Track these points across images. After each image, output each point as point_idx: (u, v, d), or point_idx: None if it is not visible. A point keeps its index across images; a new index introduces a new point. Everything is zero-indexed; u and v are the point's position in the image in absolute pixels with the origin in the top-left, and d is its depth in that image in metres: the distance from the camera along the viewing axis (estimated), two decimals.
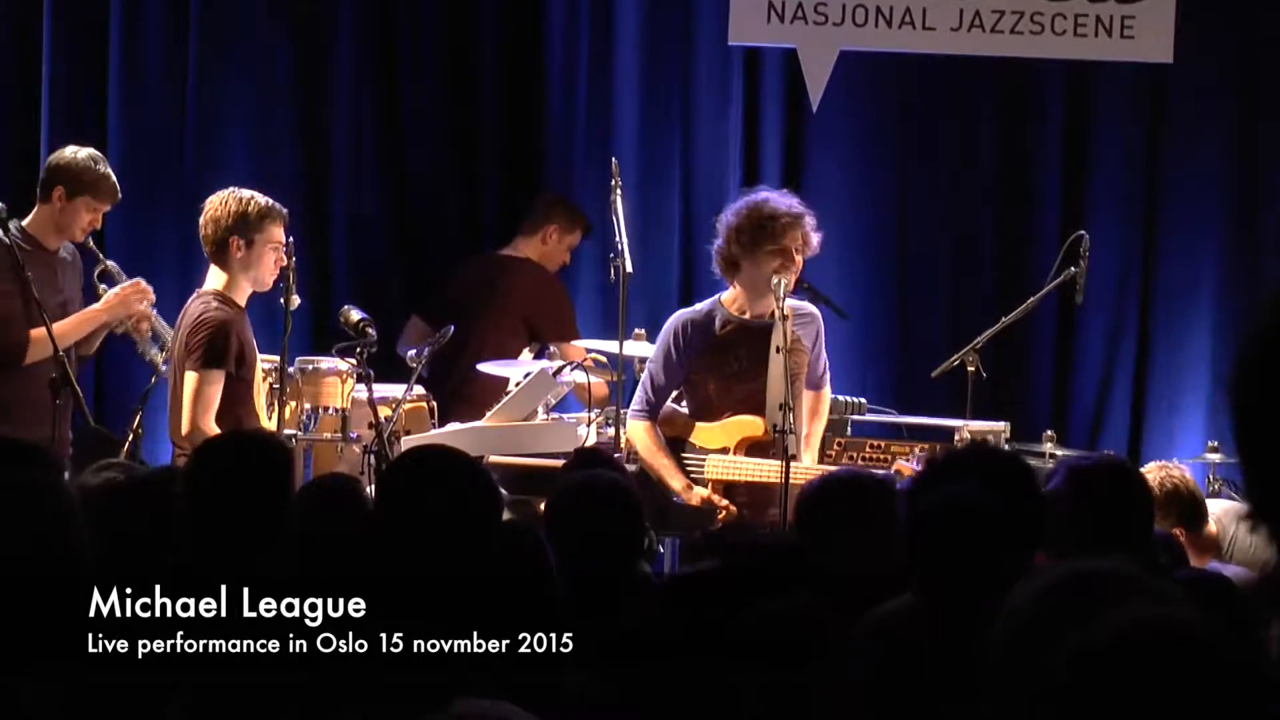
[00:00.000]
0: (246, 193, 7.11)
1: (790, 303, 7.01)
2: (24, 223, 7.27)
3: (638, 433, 7.06)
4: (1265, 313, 2.12)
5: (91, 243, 7.40)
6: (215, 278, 7.12)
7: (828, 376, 7.24)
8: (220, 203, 7.10)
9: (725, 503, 6.92)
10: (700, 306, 7.15)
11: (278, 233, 7.10)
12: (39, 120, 8.98)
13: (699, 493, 6.95)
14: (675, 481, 6.97)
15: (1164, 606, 2.27)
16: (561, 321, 8.71)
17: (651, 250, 9.09)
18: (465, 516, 3.88)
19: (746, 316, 7.02)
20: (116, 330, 7.39)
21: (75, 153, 7.33)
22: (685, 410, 7.17)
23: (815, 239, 7.00)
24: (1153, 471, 6.38)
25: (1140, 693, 2.11)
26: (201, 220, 7.11)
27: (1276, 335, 2.10)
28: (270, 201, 7.11)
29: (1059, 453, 8.06)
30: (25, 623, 3.21)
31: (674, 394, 7.16)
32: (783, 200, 7.02)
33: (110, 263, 7.46)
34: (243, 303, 7.11)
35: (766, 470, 6.81)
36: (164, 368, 7.47)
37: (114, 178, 7.33)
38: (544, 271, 8.81)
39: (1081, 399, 9.24)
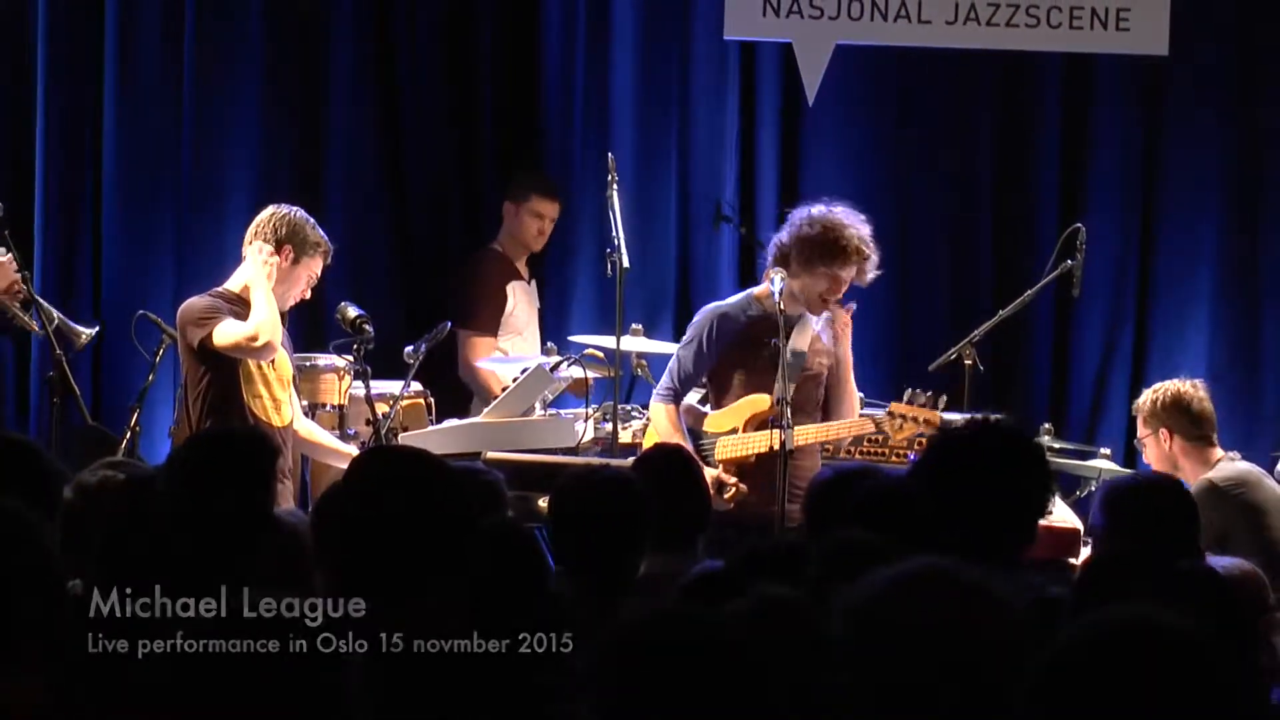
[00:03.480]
0: (310, 219, 7.13)
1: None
2: None
3: (659, 414, 7.09)
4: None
5: None
6: (238, 279, 7.07)
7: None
8: (286, 212, 7.09)
9: (734, 480, 6.93)
10: (734, 300, 7.17)
11: (318, 267, 7.13)
12: (34, 123, 8.94)
13: (709, 473, 6.95)
14: None
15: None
16: (463, 307, 8.63)
17: (648, 245, 9.08)
18: (429, 518, 3.75)
19: (777, 312, 7.04)
20: None
21: None
22: (700, 408, 7.20)
23: (870, 277, 7.06)
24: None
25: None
26: (257, 218, 7.08)
27: None
28: (326, 237, 7.14)
29: (1056, 445, 8.07)
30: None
31: (699, 383, 7.20)
32: (861, 231, 7.02)
33: None
34: None
35: (775, 440, 6.81)
36: (38, 329, 7.44)
37: None
38: (483, 254, 8.83)
39: (1079, 392, 9.23)
